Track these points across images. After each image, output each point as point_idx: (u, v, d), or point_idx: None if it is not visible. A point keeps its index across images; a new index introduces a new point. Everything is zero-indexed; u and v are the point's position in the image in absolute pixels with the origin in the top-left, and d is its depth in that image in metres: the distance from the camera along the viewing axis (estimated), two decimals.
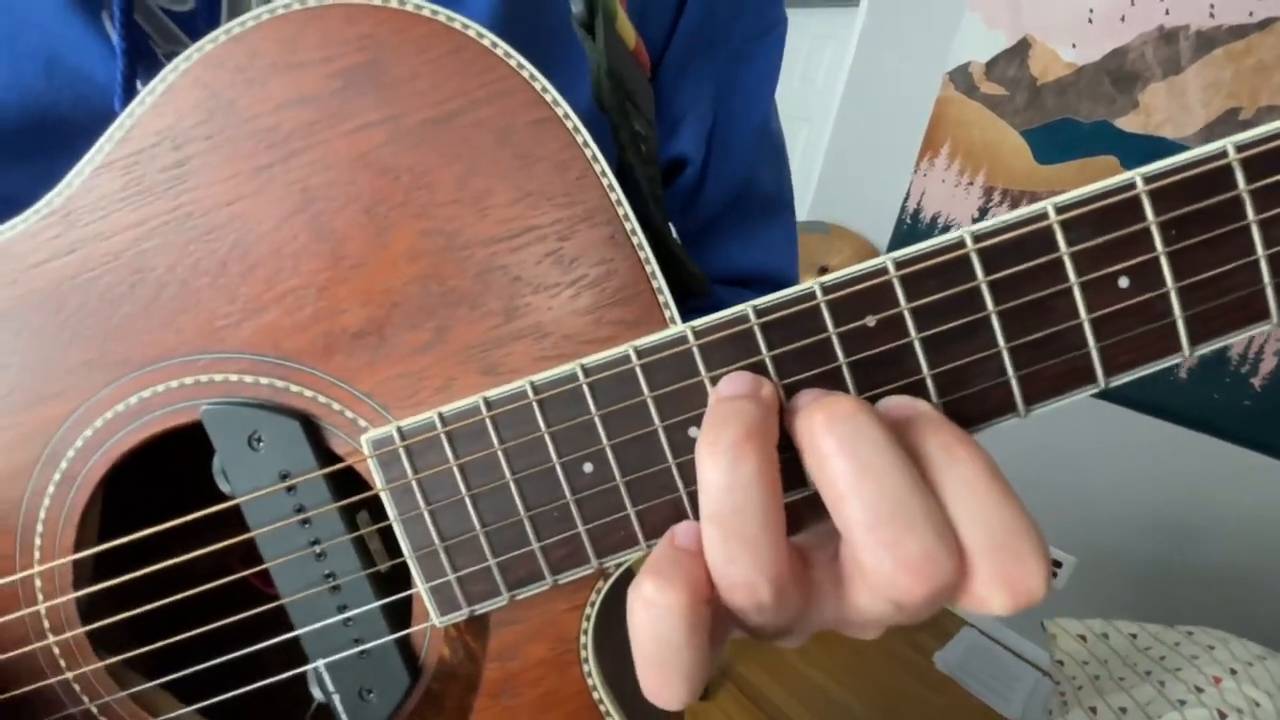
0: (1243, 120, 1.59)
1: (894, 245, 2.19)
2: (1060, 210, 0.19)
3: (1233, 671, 1.13)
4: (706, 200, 0.41)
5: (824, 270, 2.24)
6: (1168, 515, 1.73)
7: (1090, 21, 1.76)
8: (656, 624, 0.17)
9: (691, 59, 0.36)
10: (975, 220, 2.07)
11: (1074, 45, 1.80)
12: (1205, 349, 0.20)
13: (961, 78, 2.00)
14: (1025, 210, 0.19)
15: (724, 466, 0.17)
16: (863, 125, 2.31)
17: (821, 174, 2.46)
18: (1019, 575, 0.16)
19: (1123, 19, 1.71)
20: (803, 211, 2.52)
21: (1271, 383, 1.54)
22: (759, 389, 0.19)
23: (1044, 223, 0.19)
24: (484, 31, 0.20)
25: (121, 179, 0.21)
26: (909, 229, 2.17)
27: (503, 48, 0.20)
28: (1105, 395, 1.78)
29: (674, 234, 0.27)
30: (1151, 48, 1.67)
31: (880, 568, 0.16)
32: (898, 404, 0.19)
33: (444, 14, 0.20)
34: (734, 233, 0.42)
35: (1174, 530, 1.72)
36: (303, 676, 0.24)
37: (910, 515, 0.16)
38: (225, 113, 0.20)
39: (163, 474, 0.24)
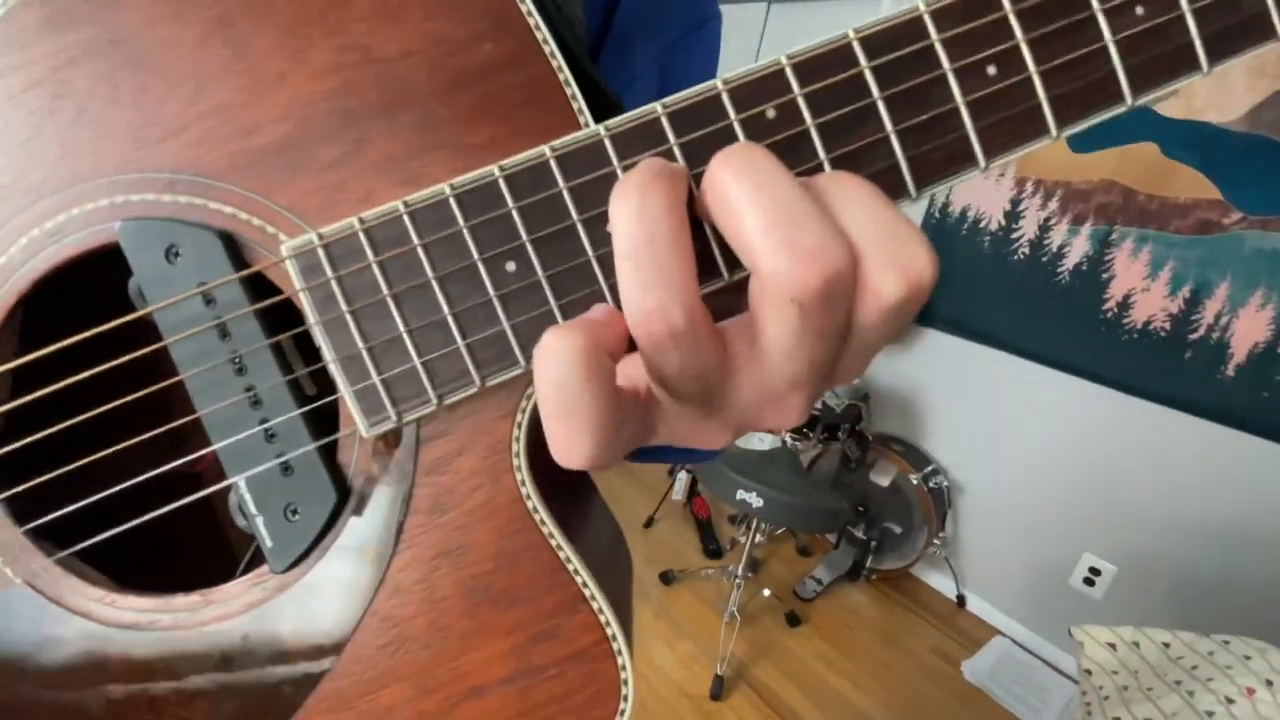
0: None
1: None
2: (929, 3, 0.23)
3: (1269, 683, 1.17)
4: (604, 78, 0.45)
5: None
6: (1215, 523, 1.79)
7: None
8: (556, 371, 0.20)
9: (637, 31, 0.42)
10: (1007, 213, 2.17)
11: None
12: (1072, 130, 0.24)
13: None
14: (899, 10, 0.23)
15: (634, 203, 0.21)
16: None
17: None
18: (907, 257, 0.21)
19: None
20: None
21: None
22: (668, 165, 0.22)
23: (915, 13, 0.23)
24: None
25: (43, 9, 0.23)
26: (937, 223, 2.27)
27: None
28: (1149, 393, 1.85)
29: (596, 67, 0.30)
30: None
31: (778, 265, 0.20)
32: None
33: None
34: None
35: (1221, 537, 1.78)
36: (226, 541, 0.25)
37: (801, 214, 0.20)
38: None
39: (84, 310, 0.26)
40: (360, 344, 0.24)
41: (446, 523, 0.26)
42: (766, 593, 2.23)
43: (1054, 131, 0.25)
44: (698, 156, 0.24)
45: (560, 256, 0.24)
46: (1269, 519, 1.70)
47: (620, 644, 0.27)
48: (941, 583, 2.42)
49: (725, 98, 0.24)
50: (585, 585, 0.26)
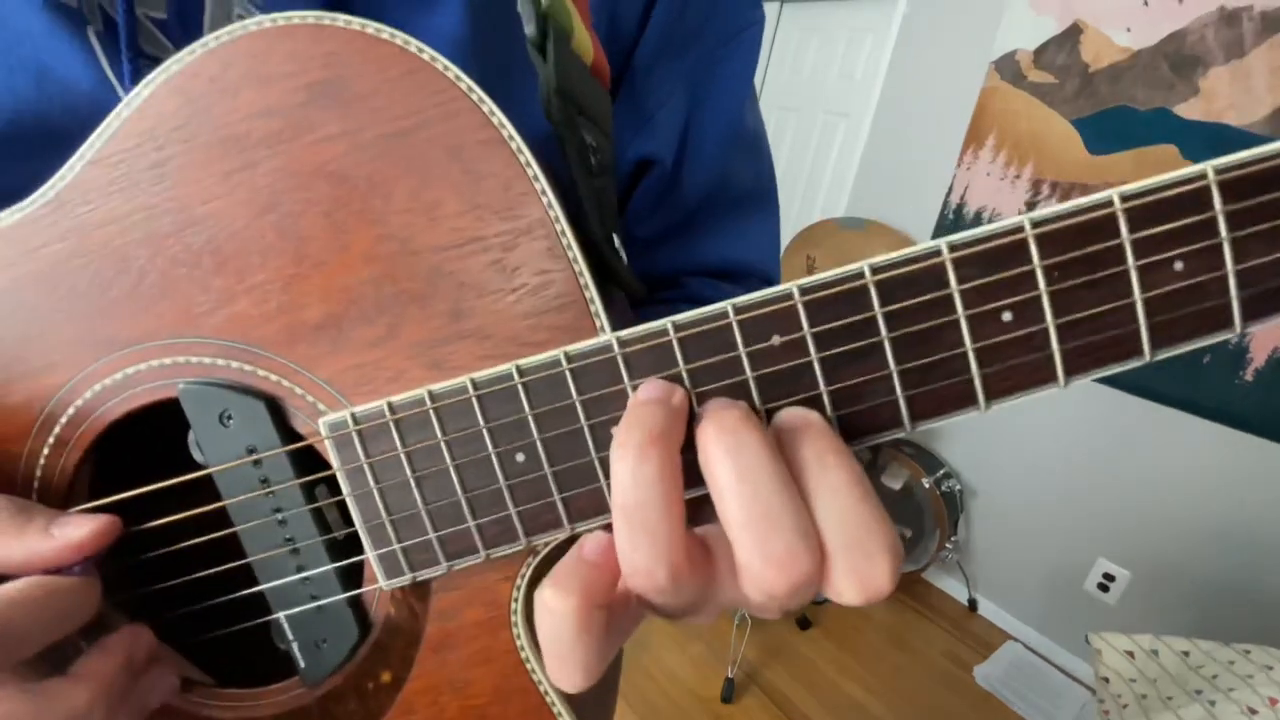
0: None
1: (936, 238, 2.20)
2: (953, 249, 0.23)
3: None
4: (682, 197, 0.44)
5: (811, 259, 2.26)
6: (1232, 529, 1.74)
7: (1145, 4, 1.75)
8: (554, 627, 0.22)
9: (661, 58, 0.40)
10: (1021, 213, 2.03)
11: (1128, 29, 1.79)
12: (1080, 380, 0.24)
13: (1008, 66, 2.01)
14: (920, 247, 0.23)
15: (630, 465, 0.21)
16: (903, 119, 2.34)
17: (859, 170, 2.48)
18: (868, 571, 0.20)
19: (1180, 0, 1.70)
20: (839, 208, 2.55)
21: None
22: (670, 396, 0.23)
23: (937, 259, 0.23)
24: (437, 56, 0.24)
25: (109, 174, 0.25)
26: (952, 223, 2.21)
27: (454, 71, 0.24)
28: (1167, 399, 1.79)
29: (617, 244, 0.31)
30: (1212, 30, 1.66)
31: (751, 562, 0.20)
32: (791, 415, 0.23)
33: (401, 37, 0.24)
34: (711, 228, 0.46)
35: (1238, 544, 1.73)
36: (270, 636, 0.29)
37: (778, 516, 0.20)
38: (200, 119, 0.24)
39: (146, 447, 0.29)
40: (384, 516, 0.25)
41: (452, 660, 0.28)
42: None
43: (1062, 382, 0.25)
44: (704, 378, 0.24)
45: (567, 454, 0.24)
46: None
47: None
48: (953, 587, 2.33)
49: (736, 328, 0.23)
50: None
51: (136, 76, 0.26)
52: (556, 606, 0.21)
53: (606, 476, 0.25)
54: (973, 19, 2.05)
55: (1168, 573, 1.85)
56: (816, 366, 0.23)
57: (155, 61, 0.27)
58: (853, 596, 0.21)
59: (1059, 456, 2.03)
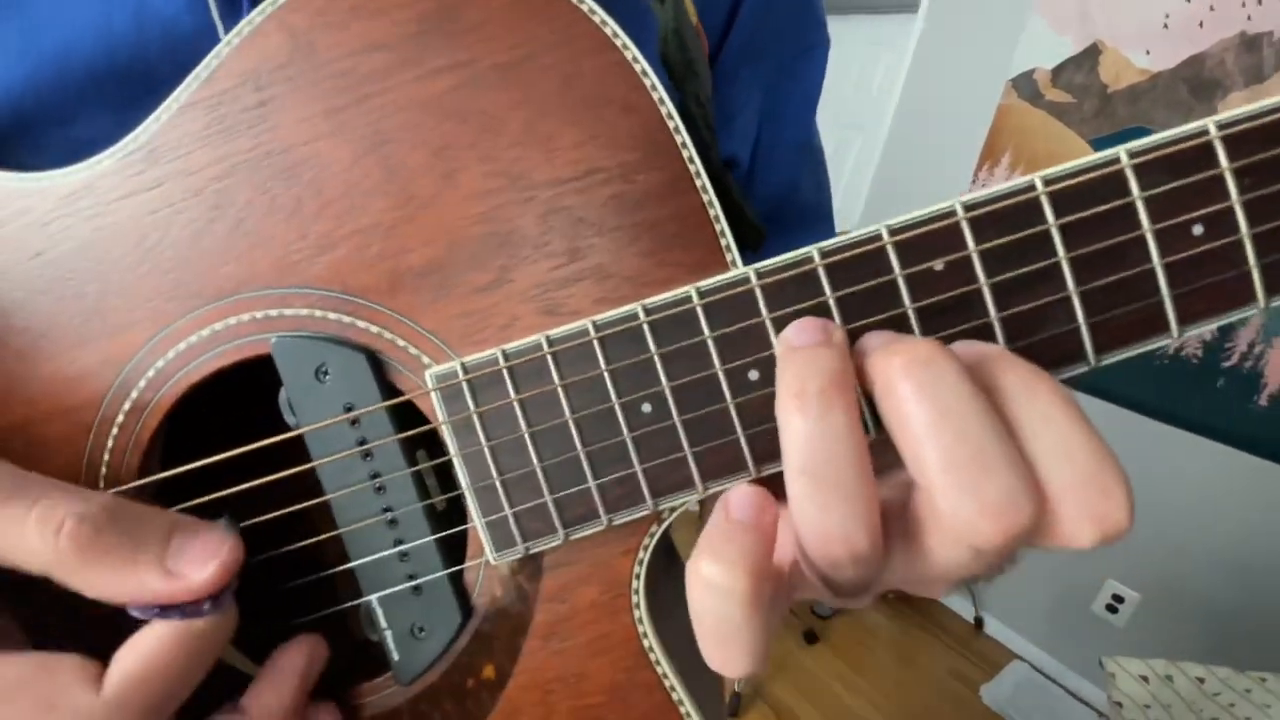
0: None
1: None
2: (1133, 155, 0.20)
3: None
4: (754, 202, 0.43)
5: None
6: (1243, 552, 1.68)
7: (1166, 27, 1.74)
8: (718, 606, 0.18)
9: (742, 65, 0.40)
10: None
11: (1148, 51, 1.78)
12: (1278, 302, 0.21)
13: (1025, 84, 2.00)
14: (1096, 156, 0.20)
15: (814, 416, 0.18)
16: (919, 134, 2.32)
17: (874, 183, 2.46)
18: (1105, 510, 0.17)
19: (1201, 24, 1.70)
20: (853, 220, 2.53)
21: None
22: (830, 334, 0.20)
23: (1116, 166, 0.20)
24: None
25: (205, 118, 0.23)
26: None
27: None
28: (1179, 420, 1.74)
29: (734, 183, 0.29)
30: (1233, 55, 1.65)
31: (959, 512, 0.17)
32: (967, 348, 0.19)
33: None
34: (775, 239, 0.45)
35: (1249, 568, 1.67)
36: (347, 627, 0.26)
37: (990, 458, 0.17)
38: (305, 55, 0.22)
39: (226, 410, 0.26)
40: (495, 476, 0.22)
41: (564, 650, 0.24)
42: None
43: (1261, 302, 0.22)
44: (856, 311, 0.21)
45: (698, 403, 0.22)
46: None
47: None
48: (960, 604, 2.24)
49: (890, 251, 0.20)
50: None
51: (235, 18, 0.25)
52: (720, 580, 0.18)
53: (744, 428, 0.22)
54: (991, 36, 2.05)
55: (1177, 596, 1.79)
56: (986, 292, 0.21)
57: None
58: (1088, 538, 0.17)
59: None
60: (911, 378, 0.17)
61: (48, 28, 0.25)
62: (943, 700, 1.94)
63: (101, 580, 0.19)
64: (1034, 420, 0.17)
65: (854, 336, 0.21)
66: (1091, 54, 1.89)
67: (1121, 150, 0.20)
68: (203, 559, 0.20)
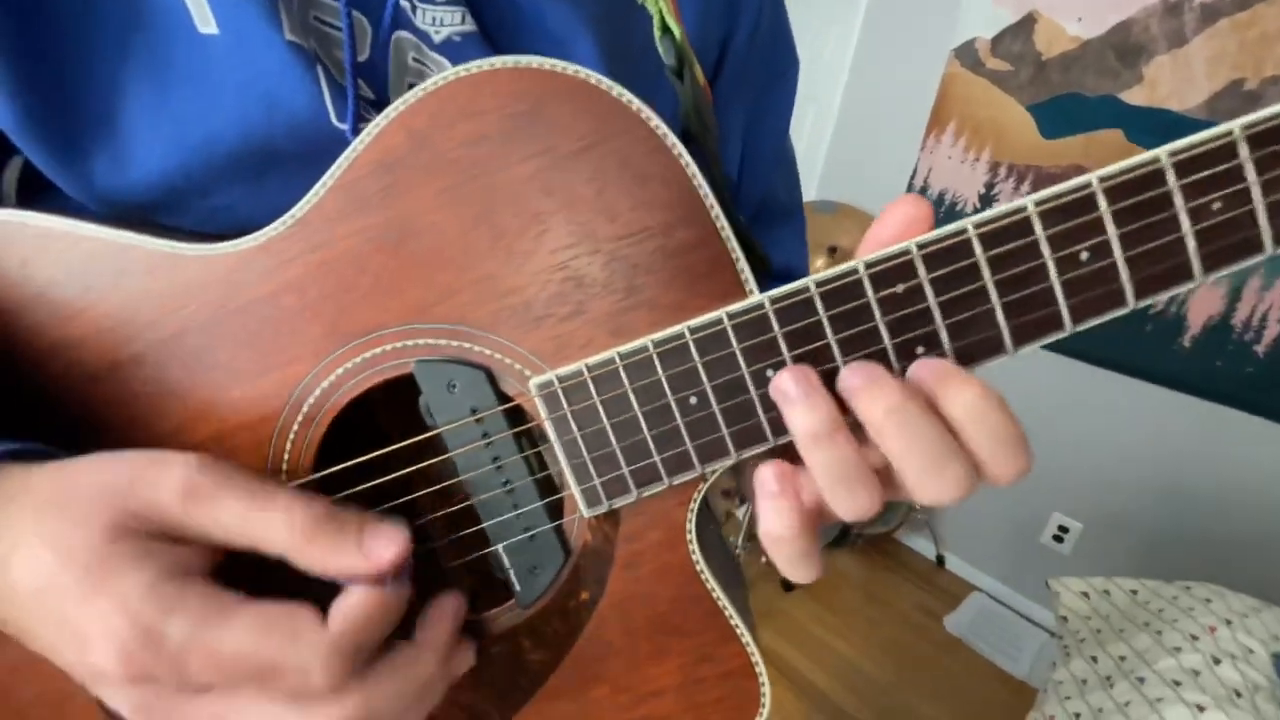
0: (1247, 91, 1.62)
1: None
2: (1038, 204, 0.26)
3: (1228, 622, 1.21)
4: (739, 209, 0.49)
5: (833, 250, 2.30)
6: (1172, 480, 1.80)
7: None
8: (787, 545, 0.27)
9: (731, 95, 0.45)
10: (981, 196, 2.15)
11: (1079, 19, 1.81)
12: (1145, 302, 0.28)
13: (967, 54, 2.03)
14: (1008, 205, 0.27)
15: (828, 448, 0.26)
16: (869, 104, 2.34)
17: (829, 153, 2.48)
18: (1013, 464, 0.25)
19: None
20: (810, 191, 2.55)
21: (1274, 350, 1.60)
22: (811, 379, 0.27)
23: (1022, 214, 0.27)
24: (614, 84, 0.27)
25: (346, 197, 0.28)
26: None
27: (627, 95, 0.28)
28: (1111, 364, 1.85)
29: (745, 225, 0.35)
30: (1156, 20, 1.69)
31: (928, 490, 0.25)
32: (923, 370, 0.26)
33: (584, 72, 0.27)
34: (757, 237, 0.50)
35: (1178, 495, 1.79)
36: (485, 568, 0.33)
37: (947, 459, 0.25)
38: (423, 147, 0.28)
39: (372, 419, 0.33)
40: (585, 455, 0.29)
41: (639, 576, 0.31)
42: (765, 560, 2.14)
43: (1130, 303, 0.29)
44: (842, 323, 0.27)
45: (730, 395, 0.28)
46: (1216, 478, 1.71)
47: (760, 666, 0.32)
48: (922, 545, 2.36)
49: (866, 281, 0.27)
50: (736, 625, 0.32)
51: (355, 113, 0.30)
52: (784, 532, 0.26)
53: (764, 411, 0.29)
54: (934, 7, 2.06)
55: (1115, 523, 1.91)
56: (934, 307, 0.27)
57: (365, 100, 0.30)
58: (1005, 481, 0.25)
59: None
60: (891, 420, 0.25)
61: (194, 125, 0.30)
62: (909, 632, 2.04)
63: (323, 559, 0.25)
64: (963, 414, 0.25)
65: (844, 347, 0.27)
66: (1027, 23, 1.92)
67: (1029, 200, 0.26)
68: (387, 545, 0.26)
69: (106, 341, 0.30)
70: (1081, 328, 0.28)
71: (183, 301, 0.29)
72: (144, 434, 0.30)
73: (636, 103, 0.28)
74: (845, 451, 0.25)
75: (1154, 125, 1.70)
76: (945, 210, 2.14)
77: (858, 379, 0.26)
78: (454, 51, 0.33)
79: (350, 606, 0.25)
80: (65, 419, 0.30)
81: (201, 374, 0.30)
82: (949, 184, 2.16)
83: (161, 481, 0.24)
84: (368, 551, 0.26)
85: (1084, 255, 0.27)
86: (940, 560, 2.33)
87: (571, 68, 0.27)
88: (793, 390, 0.26)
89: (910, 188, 2.24)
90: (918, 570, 2.31)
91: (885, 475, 0.26)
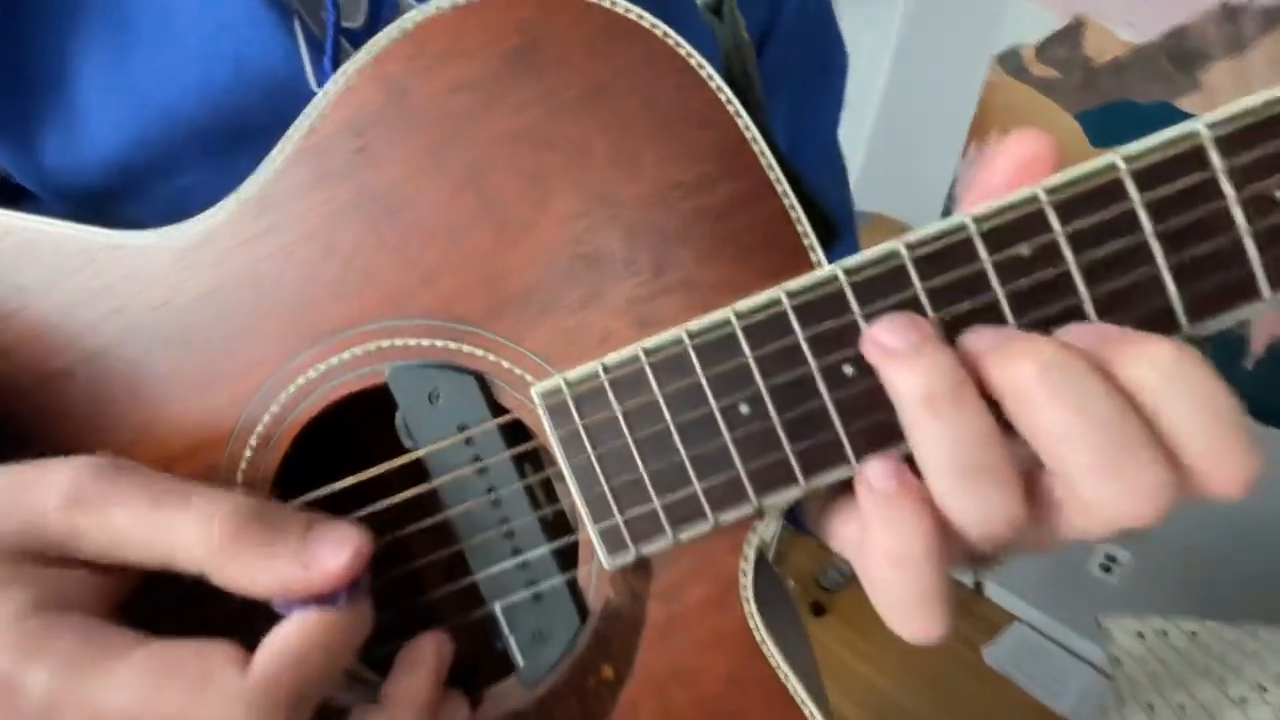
0: None
1: None
2: (1212, 126, 0.19)
3: None
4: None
5: None
6: (1229, 509, 1.62)
7: None
8: (908, 572, 0.19)
9: (773, 86, 0.39)
10: None
11: (1130, 24, 1.74)
12: None
13: (1011, 61, 1.95)
14: (1172, 130, 0.19)
15: (950, 418, 0.18)
16: (907, 113, 2.26)
17: (864, 163, 2.41)
18: (1236, 459, 0.17)
19: None
20: None
21: None
22: (924, 330, 0.19)
23: (1195, 141, 0.19)
24: (630, 6, 0.21)
25: (310, 165, 0.23)
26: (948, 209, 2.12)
27: (648, 19, 0.21)
28: None
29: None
30: (1213, 25, 1.59)
31: (1109, 500, 0.17)
32: (1083, 334, 0.19)
33: None
34: None
35: (1236, 525, 1.62)
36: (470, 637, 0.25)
37: (1134, 448, 0.16)
38: (399, 100, 0.22)
39: (338, 441, 0.26)
40: (604, 484, 0.22)
41: (679, 646, 0.24)
42: (791, 583, 2.03)
43: None
44: (945, 301, 0.20)
45: (796, 401, 0.21)
46: None
47: None
48: (959, 570, 2.28)
49: (977, 240, 0.20)
50: (812, 715, 0.24)
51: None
52: (908, 548, 0.18)
53: (844, 423, 0.21)
54: (976, 14, 2.00)
55: (1169, 554, 1.76)
56: (1075, 273, 0.20)
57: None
58: (1227, 494, 0.17)
59: None
60: (1046, 384, 0.17)
61: (152, 91, 0.25)
62: (948, 663, 1.91)
63: (249, 572, 0.19)
64: (1163, 383, 0.17)
65: (949, 326, 0.20)
66: (1075, 28, 1.84)
67: (1199, 123, 0.19)
68: (336, 549, 0.20)
69: (34, 351, 0.24)
70: None
71: (121, 302, 0.24)
72: None
73: (662, 27, 0.21)
74: (975, 422, 0.17)
75: None
76: None
77: (987, 339, 0.19)
78: None
79: (283, 640, 0.19)
80: None
81: (140, 389, 0.24)
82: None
83: (42, 490, 0.18)
84: (309, 559, 0.19)
85: (1278, 194, 0.19)
86: (978, 587, 2.17)
87: None
88: (895, 340, 0.19)
89: (950, 199, 2.14)
90: (955, 596, 2.16)
91: (1030, 487, 0.19)
